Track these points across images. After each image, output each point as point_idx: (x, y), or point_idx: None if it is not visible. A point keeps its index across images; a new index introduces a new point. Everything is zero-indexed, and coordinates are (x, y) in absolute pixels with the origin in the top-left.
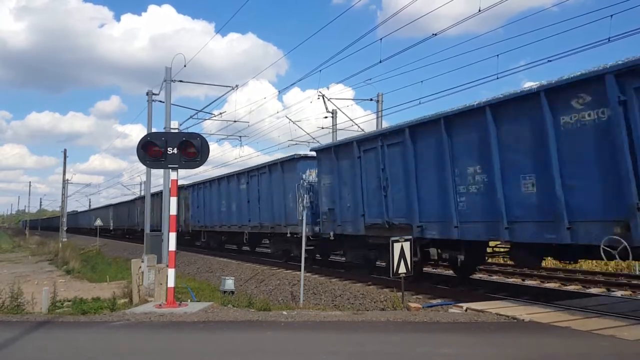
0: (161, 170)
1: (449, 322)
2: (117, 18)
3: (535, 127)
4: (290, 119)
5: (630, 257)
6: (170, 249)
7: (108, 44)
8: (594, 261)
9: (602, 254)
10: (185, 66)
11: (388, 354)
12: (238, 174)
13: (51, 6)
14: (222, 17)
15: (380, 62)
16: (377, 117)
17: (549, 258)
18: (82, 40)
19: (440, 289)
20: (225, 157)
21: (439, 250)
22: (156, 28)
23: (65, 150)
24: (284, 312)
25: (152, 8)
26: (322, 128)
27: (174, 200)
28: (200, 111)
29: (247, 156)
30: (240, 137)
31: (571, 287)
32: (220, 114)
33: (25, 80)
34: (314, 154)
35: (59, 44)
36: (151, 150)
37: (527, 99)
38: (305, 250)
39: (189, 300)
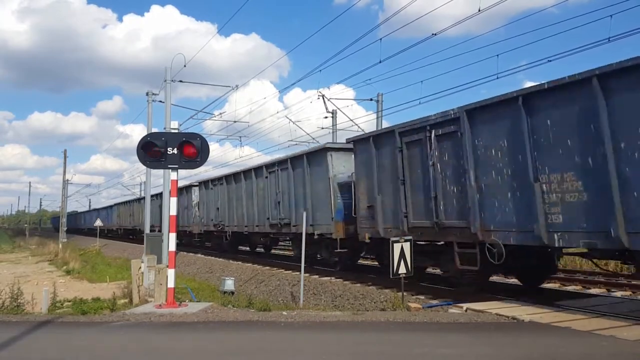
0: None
1: (449, 323)
2: (120, 19)
3: None
4: (290, 119)
5: None
6: (170, 250)
7: (110, 45)
8: (594, 262)
9: None
10: (185, 66)
11: (388, 354)
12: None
13: (54, 7)
14: (226, 19)
15: (380, 62)
16: (377, 118)
17: None
18: (85, 40)
19: (440, 289)
20: (226, 158)
21: None
22: (159, 29)
23: (65, 150)
24: (284, 313)
25: (155, 9)
26: (322, 128)
27: (174, 201)
28: (201, 111)
29: (248, 156)
30: (240, 137)
31: (571, 288)
32: (221, 114)
33: (27, 81)
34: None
35: (61, 44)
36: (151, 151)
37: None
38: None
39: (188, 301)
